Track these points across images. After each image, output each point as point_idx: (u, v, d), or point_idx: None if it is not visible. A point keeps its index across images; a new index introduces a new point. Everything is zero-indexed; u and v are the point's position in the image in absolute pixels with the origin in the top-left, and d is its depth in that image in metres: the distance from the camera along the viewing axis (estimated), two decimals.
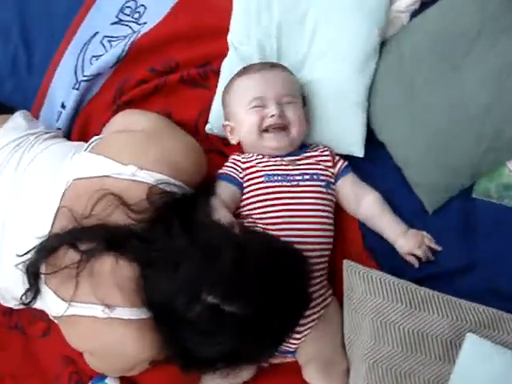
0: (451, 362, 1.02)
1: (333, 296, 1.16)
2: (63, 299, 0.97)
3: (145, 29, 1.34)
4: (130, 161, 1.01)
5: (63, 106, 1.34)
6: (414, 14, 1.24)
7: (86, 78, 1.33)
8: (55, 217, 0.99)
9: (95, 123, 1.31)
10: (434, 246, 1.15)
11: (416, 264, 1.15)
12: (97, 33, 1.38)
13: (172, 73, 1.31)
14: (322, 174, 1.16)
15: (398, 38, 1.22)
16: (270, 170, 1.14)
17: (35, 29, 1.42)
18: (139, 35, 1.33)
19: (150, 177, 1.00)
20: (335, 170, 1.19)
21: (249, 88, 1.16)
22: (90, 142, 1.12)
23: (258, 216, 1.11)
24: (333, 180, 1.18)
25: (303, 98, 1.21)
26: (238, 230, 0.96)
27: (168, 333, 0.93)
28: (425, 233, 1.16)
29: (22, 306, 1.04)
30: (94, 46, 1.37)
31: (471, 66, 1.13)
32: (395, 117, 1.19)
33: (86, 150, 1.08)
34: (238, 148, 1.23)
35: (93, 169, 1.02)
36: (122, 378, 1.15)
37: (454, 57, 1.14)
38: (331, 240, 1.15)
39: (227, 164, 1.19)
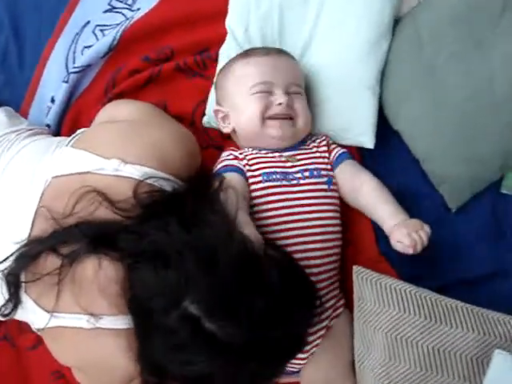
0: (477, 383, 0.92)
1: (344, 308, 1.06)
2: (45, 310, 0.90)
3: (138, 15, 1.26)
4: (113, 154, 0.93)
5: (52, 101, 1.27)
6: None
7: (75, 70, 1.25)
8: (34, 218, 0.93)
9: (86, 118, 1.23)
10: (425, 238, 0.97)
11: (405, 250, 0.97)
12: (88, 22, 1.30)
13: (167, 61, 1.23)
14: (323, 169, 1.06)
15: (413, 14, 1.11)
16: (267, 168, 1.04)
17: (26, 19, 1.35)
18: (132, 22, 1.24)
19: (135, 171, 0.92)
20: (330, 159, 1.09)
21: (254, 71, 1.06)
22: (74, 135, 1.05)
23: (256, 220, 1.00)
24: (332, 173, 1.07)
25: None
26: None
27: (142, 338, 0.84)
28: (426, 225, 0.99)
29: (1, 318, 0.98)
30: (85, 35, 1.29)
31: (497, 42, 1.03)
32: (412, 103, 1.08)
33: (67, 144, 1.02)
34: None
35: (73, 165, 0.95)
36: None
37: (478, 32, 1.04)
38: (339, 243, 1.05)
39: (225, 157, 1.08)
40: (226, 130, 1.11)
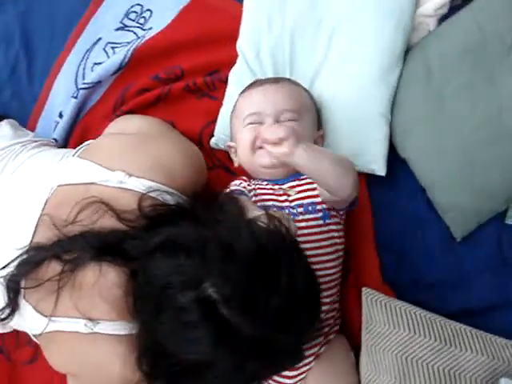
0: None
1: (337, 334, 1.05)
2: (43, 314, 0.89)
3: (150, 34, 1.26)
4: (118, 166, 0.93)
5: (61, 116, 1.27)
6: (441, 20, 1.14)
7: (85, 86, 1.25)
8: (37, 225, 0.92)
9: (93, 134, 1.22)
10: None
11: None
12: (100, 39, 1.31)
13: (177, 81, 1.23)
14: (319, 203, 1.02)
15: (424, 44, 1.11)
16: (268, 200, 1.02)
17: (37, 34, 1.37)
18: (143, 41, 1.25)
19: (140, 184, 0.92)
20: None
21: (246, 103, 1.08)
22: (81, 146, 1.05)
23: None
24: (334, 212, 1.03)
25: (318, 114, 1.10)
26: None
27: (147, 316, 0.82)
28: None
29: None
30: (96, 52, 1.30)
31: (507, 76, 1.02)
32: (420, 132, 1.08)
33: (74, 154, 1.01)
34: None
35: (78, 175, 0.95)
36: None
37: (488, 65, 1.04)
38: (339, 275, 1.03)
39: (234, 184, 1.08)
40: (236, 164, 1.13)
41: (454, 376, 0.92)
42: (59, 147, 1.24)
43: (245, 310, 0.73)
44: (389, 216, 1.11)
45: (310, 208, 1.01)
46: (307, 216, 1.00)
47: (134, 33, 1.29)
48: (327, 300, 1.01)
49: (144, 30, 1.28)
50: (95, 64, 1.29)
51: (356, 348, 1.04)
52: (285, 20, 1.14)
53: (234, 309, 0.73)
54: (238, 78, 1.17)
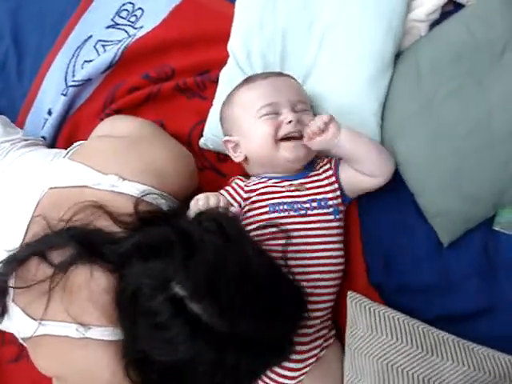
0: None
1: (335, 339, 1.05)
2: (33, 318, 0.88)
3: (141, 33, 1.26)
4: (111, 170, 0.93)
5: (50, 113, 1.26)
6: (433, 25, 1.13)
7: (75, 84, 1.25)
8: (28, 227, 0.92)
9: (82, 132, 1.23)
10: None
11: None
12: (90, 36, 1.31)
13: (167, 80, 1.23)
14: (330, 199, 1.03)
15: (415, 49, 1.11)
16: (275, 199, 1.01)
17: (27, 31, 1.36)
18: (134, 39, 1.25)
19: (132, 188, 0.92)
20: (335, 179, 1.06)
21: (257, 96, 1.04)
22: (71, 147, 1.05)
23: None
24: (340, 201, 1.05)
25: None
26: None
27: (126, 327, 0.83)
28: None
29: None
30: (86, 50, 1.30)
31: (497, 81, 1.01)
32: (409, 137, 1.07)
33: (65, 156, 1.01)
34: (235, 166, 1.13)
35: (70, 177, 0.95)
36: None
37: (478, 71, 1.03)
38: (340, 275, 1.03)
39: (227, 188, 1.06)
40: (238, 159, 1.08)
41: None
42: (48, 145, 1.24)
43: (211, 302, 0.74)
44: (376, 219, 1.11)
45: (322, 203, 1.02)
46: (320, 211, 1.01)
47: (125, 31, 1.28)
48: (330, 298, 1.01)
49: (135, 28, 1.28)
50: (85, 62, 1.28)
51: None
52: (276, 21, 1.14)
53: (201, 302, 0.74)
54: (228, 78, 1.16)
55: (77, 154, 1.00)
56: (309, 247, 0.98)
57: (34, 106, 1.30)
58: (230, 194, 1.03)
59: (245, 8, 1.17)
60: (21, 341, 0.99)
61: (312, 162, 1.09)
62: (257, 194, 1.03)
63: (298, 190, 1.03)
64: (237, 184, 1.06)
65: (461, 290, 1.06)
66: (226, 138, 1.08)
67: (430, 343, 0.94)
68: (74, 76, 1.27)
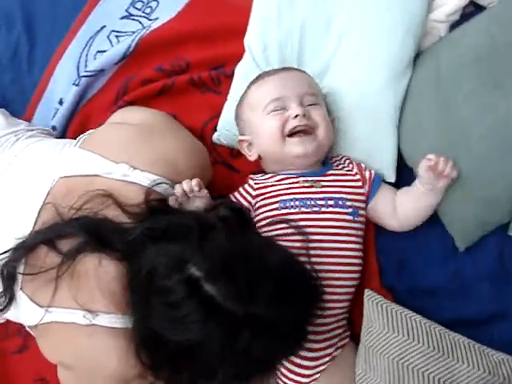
0: None
1: (349, 339, 1.04)
2: (40, 305, 0.88)
3: (156, 24, 1.24)
4: (122, 159, 0.93)
5: (61, 103, 1.25)
6: (453, 26, 1.12)
7: (87, 74, 1.23)
8: (38, 216, 0.91)
9: (94, 123, 1.20)
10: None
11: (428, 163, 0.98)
12: (104, 27, 1.28)
13: (182, 73, 1.21)
14: (349, 199, 1.02)
15: (435, 50, 1.10)
16: (286, 195, 1.00)
17: (39, 18, 1.33)
18: (148, 31, 1.22)
19: (143, 178, 0.92)
20: (366, 189, 1.05)
21: (264, 92, 1.04)
22: (82, 135, 1.04)
23: None
24: (363, 205, 1.04)
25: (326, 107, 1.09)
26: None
27: (138, 306, 0.83)
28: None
29: None
30: (99, 40, 1.27)
31: None
32: (427, 139, 1.06)
33: (75, 144, 1.00)
34: (248, 162, 1.11)
35: (81, 166, 0.94)
36: None
37: (498, 73, 1.01)
38: (358, 276, 1.02)
39: (235, 194, 1.06)
40: (253, 157, 1.08)
41: None
42: (58, 135, 1.22)
43: (226, 284, 0.75)
44: None
45: (340, 202, 1.01)
46: (337, 209, 1.00)
47: (140, 22, 1.26)
48: (344, 297, 1.00)
49: (150, 19, 1.26)
50: (98, 52, 1.26)
51: None
52: (295, 15, 1.12)
53: (216, 283, 0.75)
54: (244, 72, 1.14)
55: (87, 142, 0.99)
56: (322, 244, 0.97)
57: (44, 96, 1.28)
58: (238, 200, 1.04)
59: (263, 2, 1.15)
60: (28, 329, 0.99)
61: (326, 164, 1.08)
62: (267, 191, 1.02)
63: (314, 187, 1.02)
64: (244, 189, 1.06)
65: (474, 294, 1.05)
66: (240, 137, 1.08)
67: (445, 345, 0.94)
68: (86, 66, 1.25)
